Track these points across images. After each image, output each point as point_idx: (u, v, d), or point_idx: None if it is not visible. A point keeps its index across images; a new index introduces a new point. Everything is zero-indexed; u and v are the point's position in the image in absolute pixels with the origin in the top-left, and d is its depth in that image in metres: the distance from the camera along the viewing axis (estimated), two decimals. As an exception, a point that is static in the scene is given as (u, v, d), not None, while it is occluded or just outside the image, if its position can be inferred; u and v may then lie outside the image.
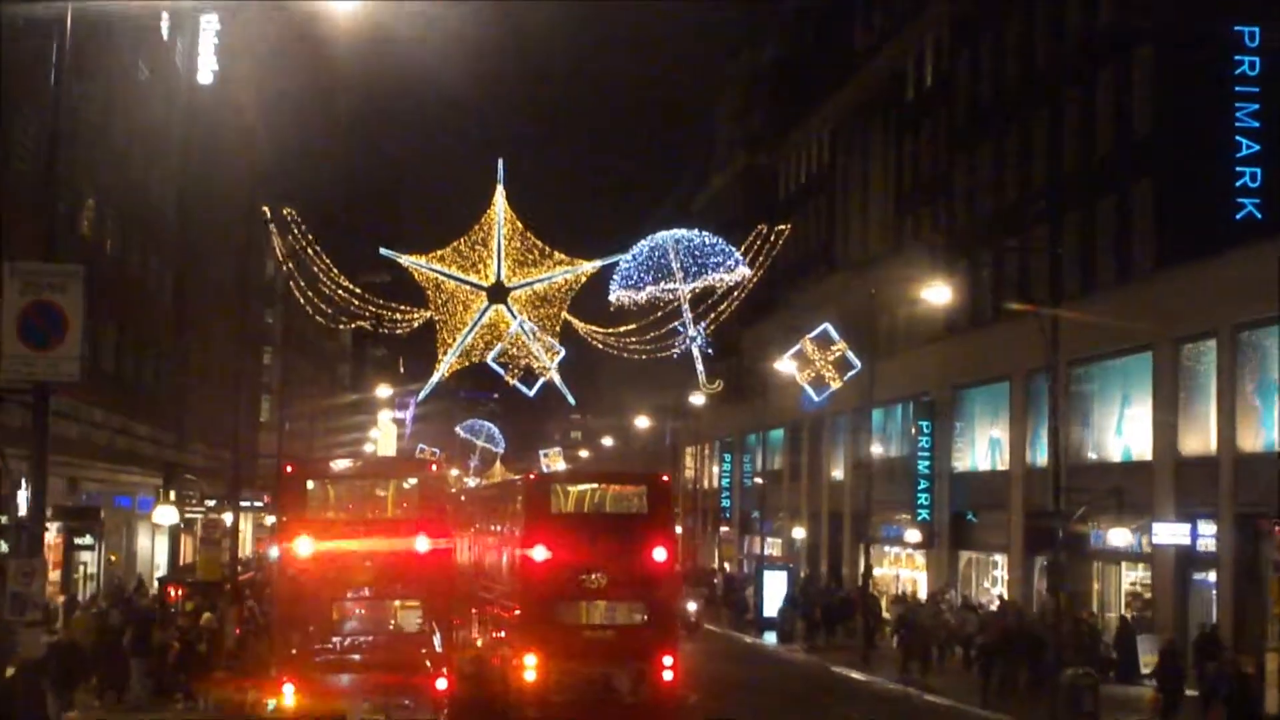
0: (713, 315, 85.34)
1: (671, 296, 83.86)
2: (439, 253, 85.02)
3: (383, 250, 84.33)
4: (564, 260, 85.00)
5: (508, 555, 39.04)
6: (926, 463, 65.00)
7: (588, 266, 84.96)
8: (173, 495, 54.70)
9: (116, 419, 55.75)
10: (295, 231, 75.93)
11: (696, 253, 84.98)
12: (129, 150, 59.41)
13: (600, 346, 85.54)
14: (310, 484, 34.37)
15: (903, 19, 78.03)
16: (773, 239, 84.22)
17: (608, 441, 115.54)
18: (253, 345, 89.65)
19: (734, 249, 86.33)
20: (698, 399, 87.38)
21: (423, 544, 32.63)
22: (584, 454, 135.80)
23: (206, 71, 70.58)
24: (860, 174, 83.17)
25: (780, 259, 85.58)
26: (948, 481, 64.47)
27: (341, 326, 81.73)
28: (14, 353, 25.52)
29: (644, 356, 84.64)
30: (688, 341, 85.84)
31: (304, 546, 32.25)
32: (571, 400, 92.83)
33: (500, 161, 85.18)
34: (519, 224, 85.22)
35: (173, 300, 68.15)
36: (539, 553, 35.83)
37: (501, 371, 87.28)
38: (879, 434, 73.95)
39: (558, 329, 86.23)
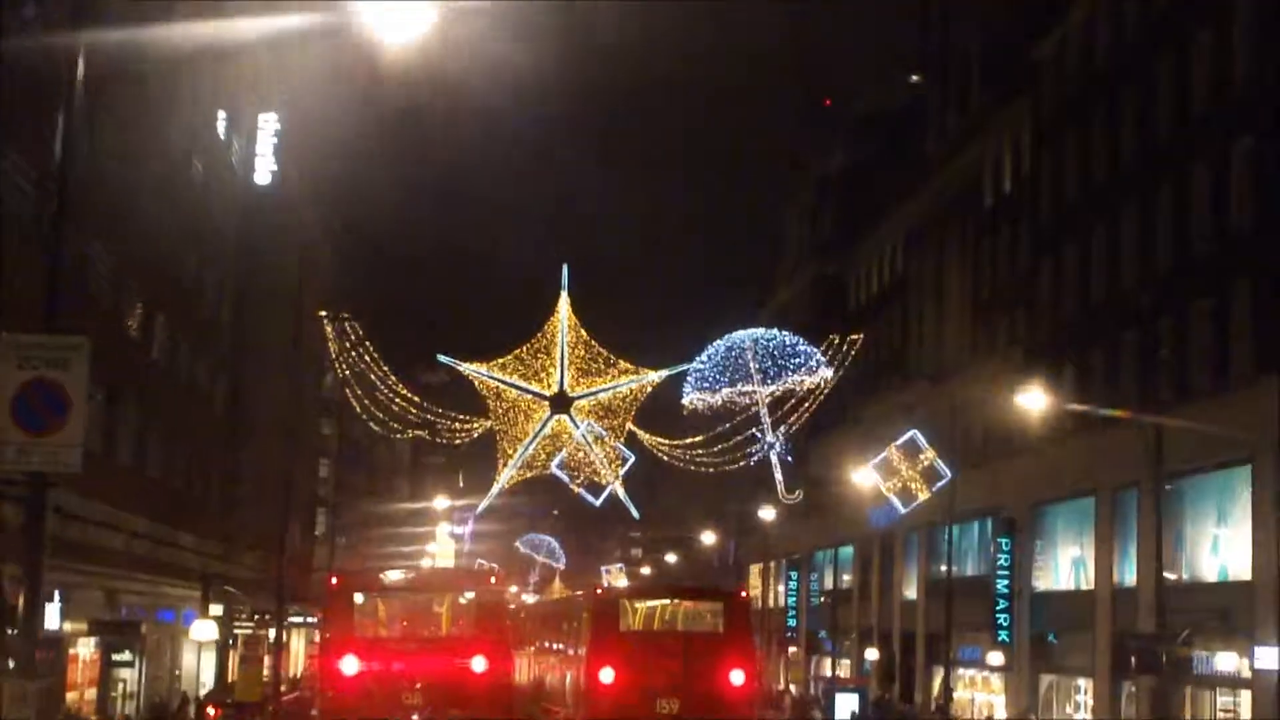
0: (792, 420, 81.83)
1: (748, 400, 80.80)
2: (500, 360, 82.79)
3: (441, 357, 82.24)
4: (629, 369, 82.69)
5: (572, 676, 36.66)
6: (1005, 581, 62.13)
7: (653, 376, 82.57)
8: (212, 609, 52.22)
9: (162, 529, 53.62)
10: (353, 337, 73.89)
11: (775, 353, 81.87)
12: (182, 252, 57.72)
13: (666, 459, 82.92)
14: (359, 597, 32.34)
15: (979, 123, 75.84)
16: (844, 348, 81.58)
17: (671, 558, 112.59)
18: (308, 456, 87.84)
19: (814, 349, 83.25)
20: (766, 512, 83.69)
21: (480, 664, 30.42)
22: (645, 570, 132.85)
23: (264, 172, 69.18)
24: (935, 282, 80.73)
25: (850, 370, 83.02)
26: (1028, 601, 61.64)
27: (398, 436, 79.20)
28: (6, 439, 22.58)
29: (712, 470, 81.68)
30: (765, 448, 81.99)
31: (350, 665, 30.00)
32: (635, 513, 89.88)
33: (565, 267, 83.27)
34: (583, 332, 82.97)
35: (225, 408, 66.22)
36: (606, 674, 33.47)
37: (565, 479, 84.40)
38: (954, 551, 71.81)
39: (622, 440, 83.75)
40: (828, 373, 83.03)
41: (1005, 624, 61.76)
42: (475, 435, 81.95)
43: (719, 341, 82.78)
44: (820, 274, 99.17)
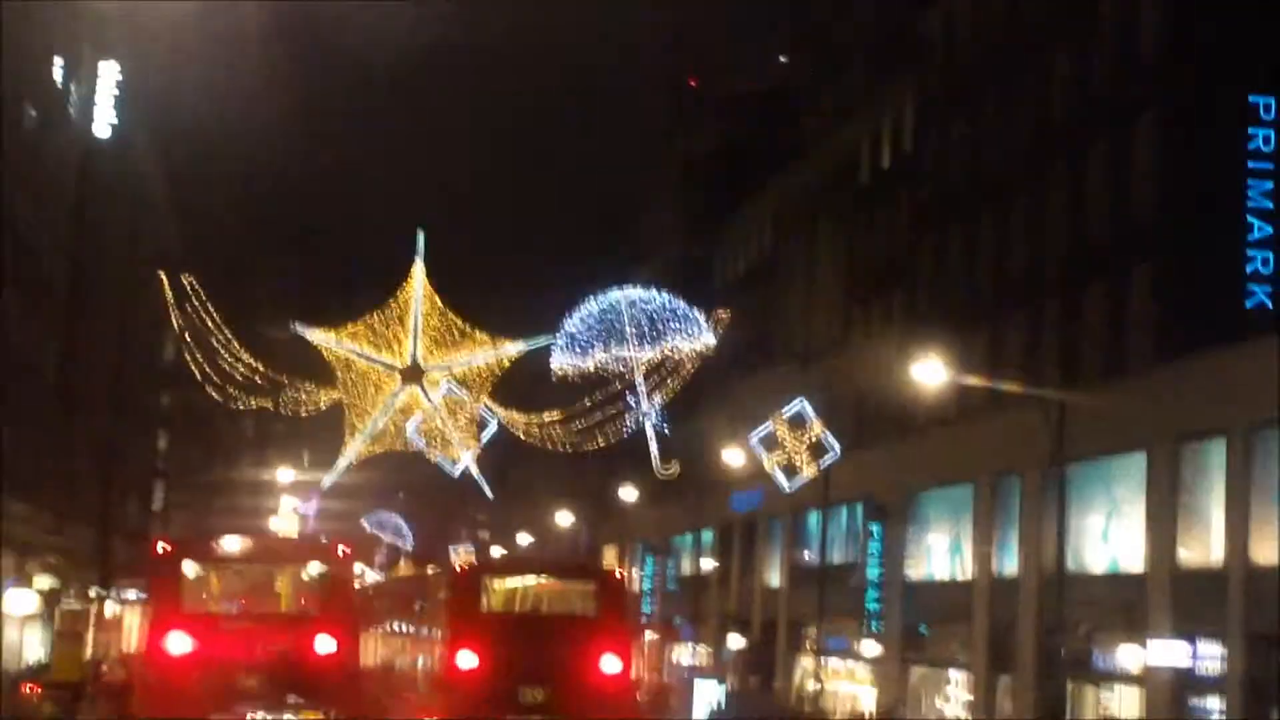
0: (668, 386, 77.48)
1: (621, 367, 76.13)
2: (350, 328, 78.78)
3: (296, 326, 78.21)
4: (485, 341, 79.07)
5: (426, 661, 33.41)
6: (876, 569, 59.75)
7: (510, 349, 78.74)
8: (38, 583, 48.43)
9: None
10: (195, 301, 70.09)
11: (654, 316, 77.39)
12: (9, 202, 53.96)
13: (522, 436, 79.27)
14: (188, 567, 28.76)
15: (859, 99, 73.39)
16: (713, 327, 78.34)
17: (523, 539, 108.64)
18: (145, 426, 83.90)
19: (696, 313, 79.34)
20: (628, 493, 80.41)
21: (326, 645, 27.09)
22: (496, 551, 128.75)
23: (104, 124, 65.29)
24: (806, 262, 78.18)
25: (717, 351, 79.76)
26: (899, 590, 59.28)
27: (240, 405, 75.22)
28: None
29: (569, 447, 78.10)
30: (640, 417, 77.29)
31: (176, 644, 26.50)
32: (488, 492, 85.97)
33: (420, 233, 79.35)
34: (438, 300, 79.19)
35: (55, 375, 62.34)
36: (466, 659, 30.24)
37: (422, 444, 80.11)
38: (816, 538, 69.39)
39: (475, 415, 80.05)
40: (710, 339, 78.60)
41: (875, 612, 59.37)
42: (323, 407, 78.19)
43: (592, 301, 78.04)
44: (686, 255, 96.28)
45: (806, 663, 68.52)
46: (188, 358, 72.84)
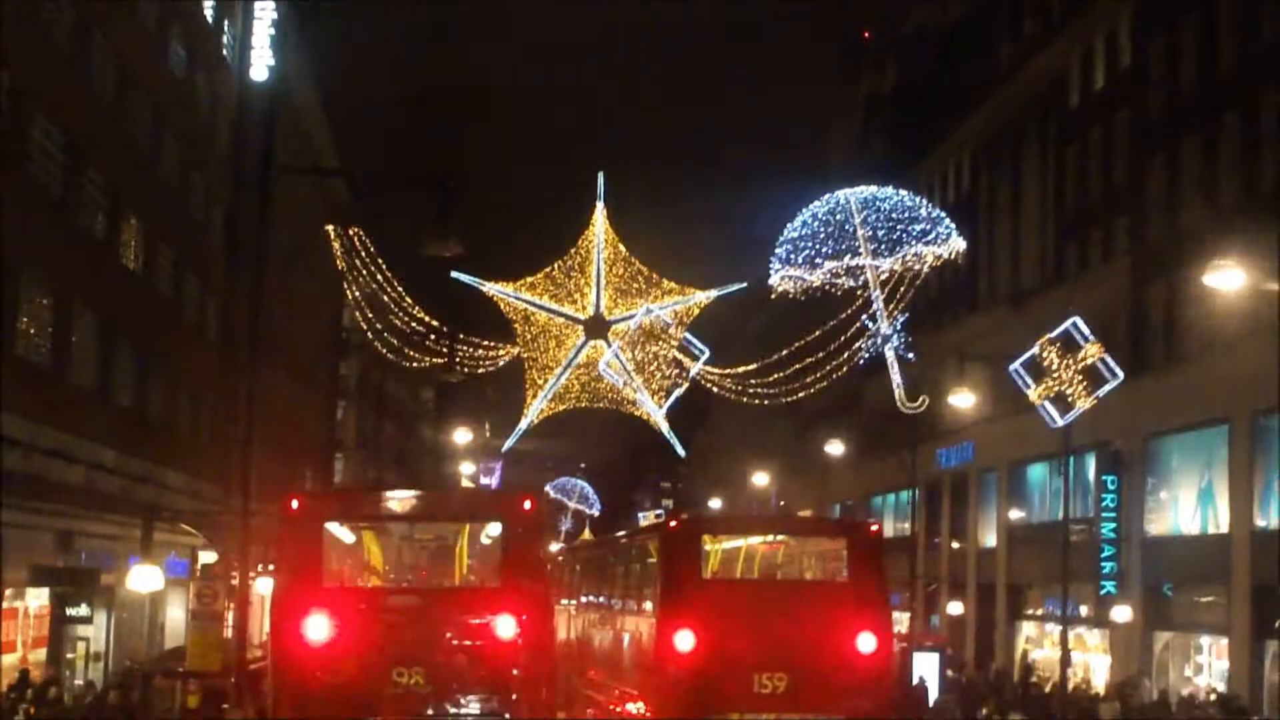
0: (904, 302, 65.78)
1: (853, 281, 63.79)
2: (529, 279, 73.99)
3: (456, 274, 73.44)
4: (674, 289, 73.68)
5: (633, 641, 27.86)
6: (1112, 525, 53.94)
7: (701, 296, 73.20)
8: (202, 557, 43.98)
9: (138, 464, 45.66)
10: (363, 255, 65.61)
11: (894, 217, 64.21)
12: (162, 146, 49.92)
13: (715, 389, 73.64)
14: (332, 528, 23.46)
15: (1064, 21, 67.52)
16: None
17: (715, 504, 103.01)
18: (323, 396, 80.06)
19: (941, 213, 66.15)
20: (834, 448, 74.28)
21: (508, 628, 21.69)
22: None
23: (261, 66, 60.91)
24: (1010, 197, 72.32)
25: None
26: (1138, 548, 53.57)
27: (415, 365, 70.52)
28: None
29: (763, 401, 71.88)
30: (878, 340, 65.40)
31: (316, 628, 21.27)
32: (680, 450, 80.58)
33: (600, 176, 74.15)
34: (621, 247, 74.00)
35: (219, 337, 58.15)
36: (684, 640, 24.83)
37: (616, 379, 74.06)
38: (1039, 493, 64.00)
39: (665, 369, 74.92)
40: (959, 243, 65.21)
41: (1111, 573, 53.57)
42: (500, 364, 73.33)
43: (816, 204, 65.36)
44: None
45: (1030, 630, 63.11)
46: (358, 316, 68.36)
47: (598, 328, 74.23)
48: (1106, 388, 48.58)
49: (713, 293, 72.42)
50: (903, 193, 66.00)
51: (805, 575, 28.73)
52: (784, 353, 69.69)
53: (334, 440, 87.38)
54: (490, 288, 73.73)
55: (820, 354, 67.87)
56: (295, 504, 22.80)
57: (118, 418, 44.69)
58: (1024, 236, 70.56)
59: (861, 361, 66.99)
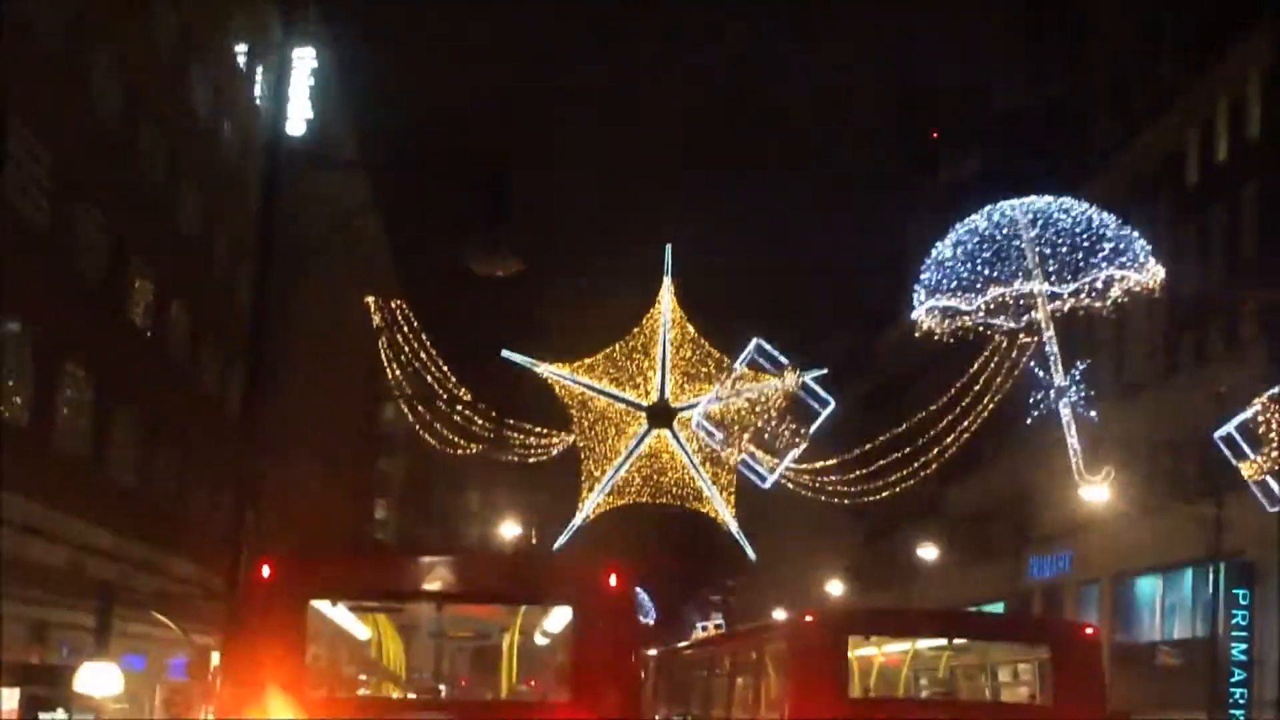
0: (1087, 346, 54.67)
1: (1012, 323, 52.09)
2: (586, 361, 67.87)
3: (508, 353, 67.35)
4: (748, 374, 67.24)
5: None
6: (1244, 647, 47.59)
7: (777, 384, 66.92)
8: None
9: (136, 547, 39.84)
10: (406, 330, 59.85)
11: (1075, 236, 50.62)
12: (184, 201, 44.72)
13: (791, 485, 66.95)
14: (321, 608, 16.95)
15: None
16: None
17: (780, 615, 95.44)
18: (360, 493, 74.32)
19: (1134, 232, 51.76)
20: (927, 551, 66.83)
21: None
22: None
23: (299, 120, 55.55)
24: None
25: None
26: (1276, 673, 47.27)
27: (461, 451, 64.46)
28: None
29: (845, 501, 64.94)
30: (1050, 396, 52.46)
31: None
32: (751, 553, 73.89)
33: (669, 248, 68.13)
34: (689, 327, 67.93)
35: (241, 411, 52.37)
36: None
37: (712, 440, 65.19)
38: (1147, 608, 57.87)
39: (733, 463, 68.40)
40: (1159, 270, 51.21)
41: (1242, 701, 47.23)
42: (555, 453, 67.15)
43: (974, 217, 53.11)
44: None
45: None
46: (397, 394, 62.42)
47: (662, 415, 67.89)
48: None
49: (793, 378, 64.86)
50: (1086, 206, 53.31)
51: (993, 695, 22.30)
52: (900, 428, 61.63)
53: (371, 540, 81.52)
54: (545, 369, 67.72)
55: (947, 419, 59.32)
56: (267, 570, 16.12)
57: (115, 495, 39.02)
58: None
59: (1030, 420, 54.51)
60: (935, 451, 60.63)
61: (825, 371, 66.07)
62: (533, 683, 19.48)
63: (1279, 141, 52.53)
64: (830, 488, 63.47)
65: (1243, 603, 47.92)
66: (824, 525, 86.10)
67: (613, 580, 16.00)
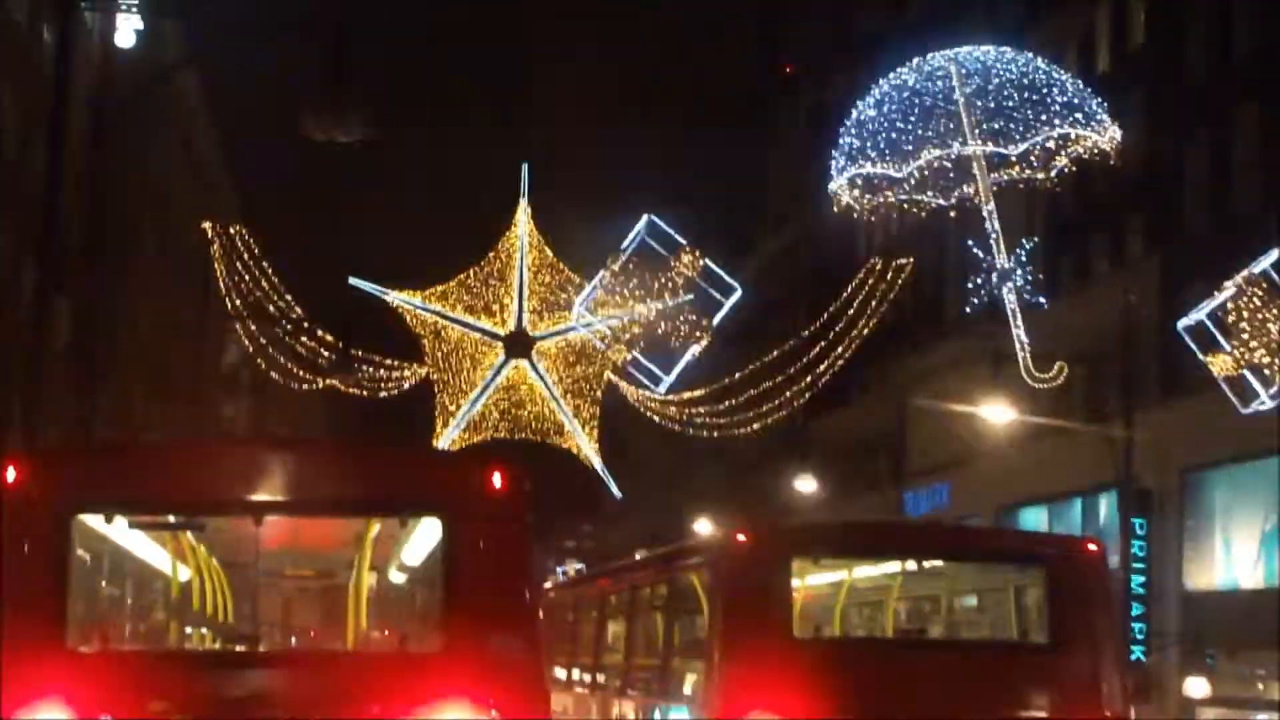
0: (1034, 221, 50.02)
1: (940, 198, 45.62)
2: (439, 287, 63.90)
3: (355, 280, 63.07)
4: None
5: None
6: (1139, 579, 45.07)
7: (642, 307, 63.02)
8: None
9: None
10: (245, 257, 55.89)
11: (1015, 89, 44.12)
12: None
13: (656, 419, 63.45)
14: (89, 522, 12.71)
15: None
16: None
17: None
18: (201, 428, 70.31)
19: (1086, 88, 45.53)
20: (804, 484, 63.61)
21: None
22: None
23: (129, 30, 51.55)
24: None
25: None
26: (1175, 606, 45.09)
27: (306, 387, 60.45)
28: None
29: (714, 434, 61.62)
30: (993, 281, 46.78)
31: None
32: (616, 492, 70.07)
33: (525, 166, 64.10)
34: (547, 251, 64.22)
35: (69, 339, 48.56)
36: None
37: (597, 342, 60.59)
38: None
39: (598, 394, 64.83)
40: (1115, 131, 44.57)
41: (1139, 635, 44.72)
42: (406, 386, 63.22)
43: (901, 70, 46.61)
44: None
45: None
46: (237, 327, 58.32)
47: (520, 344, 64.08)
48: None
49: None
50: (1029, 55, 46.57)
51: (976, 631, 18.96)
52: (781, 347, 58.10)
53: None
54: (394, 297, 63.61)
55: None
56: (13, 473, 11.91)
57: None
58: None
59: (967, 310, 48.87)
60: (808, 380, 57.52)
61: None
62: (388, 627, 16.08)
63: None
64: (699, 420, 60.37)
65: (1139, 532, 45.34)
66: (685, 462, 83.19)
67: (497, 481, 12.30)
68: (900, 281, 55.88)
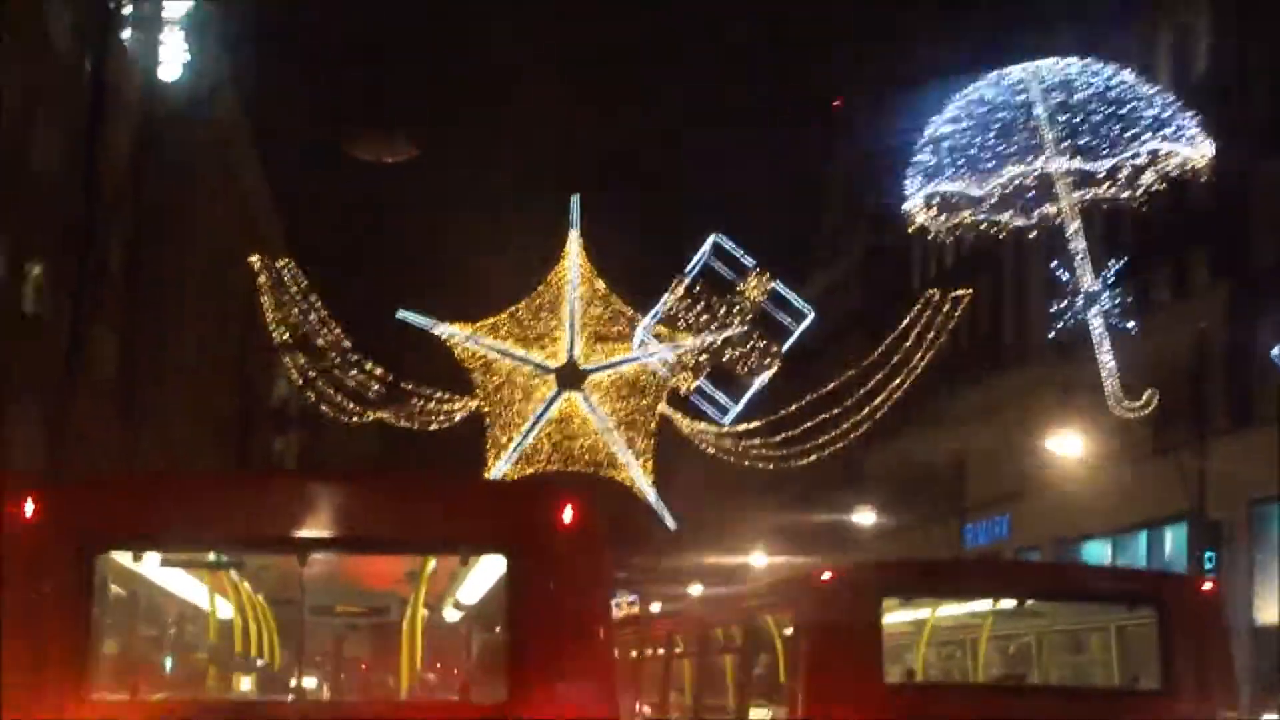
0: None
1: (1024, 218, 42.91)
2: (489, 321, 63.32)
3: (404, 313, 62.42)
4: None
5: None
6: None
7: (693, 343, 62.19)
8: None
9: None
10: (293, 291, 55.40)
11: (1098, 103, 41.88)
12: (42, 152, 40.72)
13: (711, 452, 62.63)
14: (120, 560, 11.70)
15: None
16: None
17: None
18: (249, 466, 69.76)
19: (1173, 103, 42.47)
20: (863, 517, 62.13)
21: None
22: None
23: (174, 63, 51.27)
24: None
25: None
26: (1244, 641, 43.69)
27: (355, 420, 59.83)
28: None
29: (770, 466, 60.54)
30: (1078, 304, 44.38)
31: None
32: (671, 523, 69.03)
33: (576, 198, 63.41)
34: (599, 283, 63.58)
35: (115, 375, 48.11)
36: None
37: (663, 372, 58.97)
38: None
39: (651, 427, 63.94)
40: (1208, 147, 41.90)
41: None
42: (456, 419, 62.52)
43: (978, 84, 44.33)
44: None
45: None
46: (287, 360, 57.75)
47: (571, 377, 63.35)
48: None
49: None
50: (1114, 67, 43.73)
51: (1078, 678, 17.94)
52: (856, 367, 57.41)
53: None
54: (444, 329, 63.14)
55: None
56: (31, 507, 10.87)
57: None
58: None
59: (1051, 336, 46.17)
60: (866, 411, 56.63)
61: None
62: (447, 671, 15.14)
63: None
64: (754, 451, 59.44)
65: (1209, 566, 44.16)
66: (736, 492, 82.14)
67: (567, 515, 11.14)
68: (958, 312, 54.95)
